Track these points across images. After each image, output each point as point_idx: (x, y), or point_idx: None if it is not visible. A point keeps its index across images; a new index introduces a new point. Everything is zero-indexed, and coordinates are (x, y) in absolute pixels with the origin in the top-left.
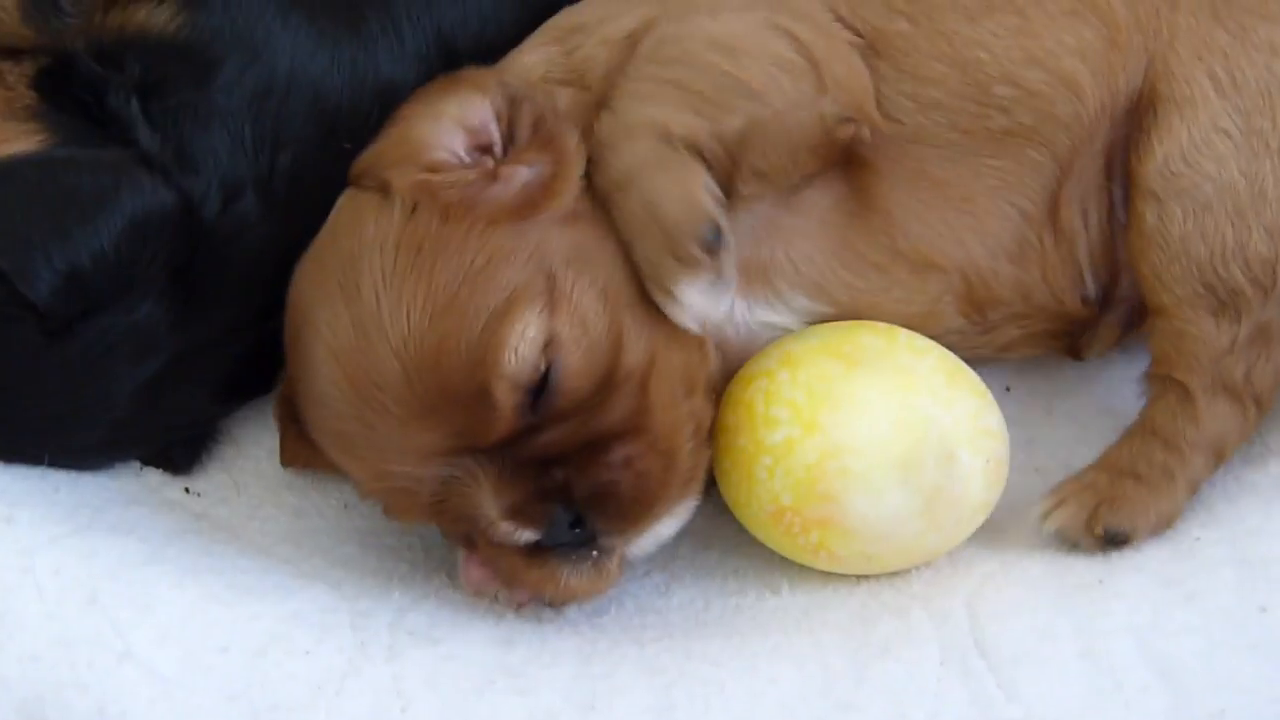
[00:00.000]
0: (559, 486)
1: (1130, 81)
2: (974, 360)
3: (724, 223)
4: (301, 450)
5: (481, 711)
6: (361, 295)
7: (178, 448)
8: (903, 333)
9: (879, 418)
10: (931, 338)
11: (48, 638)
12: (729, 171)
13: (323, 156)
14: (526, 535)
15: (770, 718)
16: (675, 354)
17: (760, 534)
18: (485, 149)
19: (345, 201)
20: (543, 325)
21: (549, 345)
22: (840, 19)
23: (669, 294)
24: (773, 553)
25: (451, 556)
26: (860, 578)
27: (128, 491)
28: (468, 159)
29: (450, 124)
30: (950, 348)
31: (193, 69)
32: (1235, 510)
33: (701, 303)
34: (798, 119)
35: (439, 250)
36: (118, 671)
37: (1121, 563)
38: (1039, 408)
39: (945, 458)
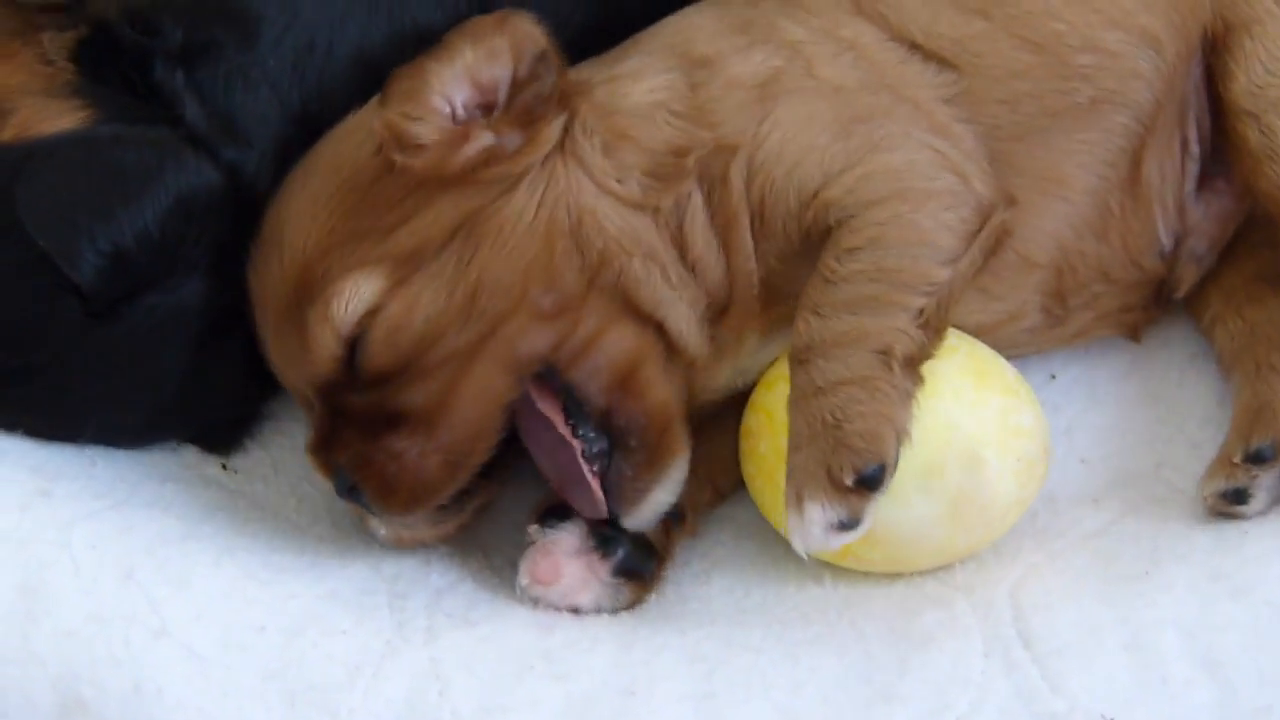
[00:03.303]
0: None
1: (1199, 20)
2: (1039, 353)
3: (891, 465)
4: None
5: (520, 695)
6: (300, 197)
7: (218, 429)
8: None
9: None
10: (1004, 339)
11: (83, 614)
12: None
13: None
14: (316, 468)
15: (811, 707)
16: (539, 326)
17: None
18: (487, 108)
19: (374, 100)
20: (375, 293)
21: (370, 314)
22: (918, 47)
23: (798, 504)
24: None
25: (488, 538)
26: None
27: (164, 467)
28: (462, 113)
29: (462, 73)
30: (1019, 346)
31: (235, 29)
32: None
33: (818, 533)
34: (972, 256)
35: (370, 198)
36: (154, 649)
37: (1168, 554)
38: (1082, 396)
39: (970, 462)
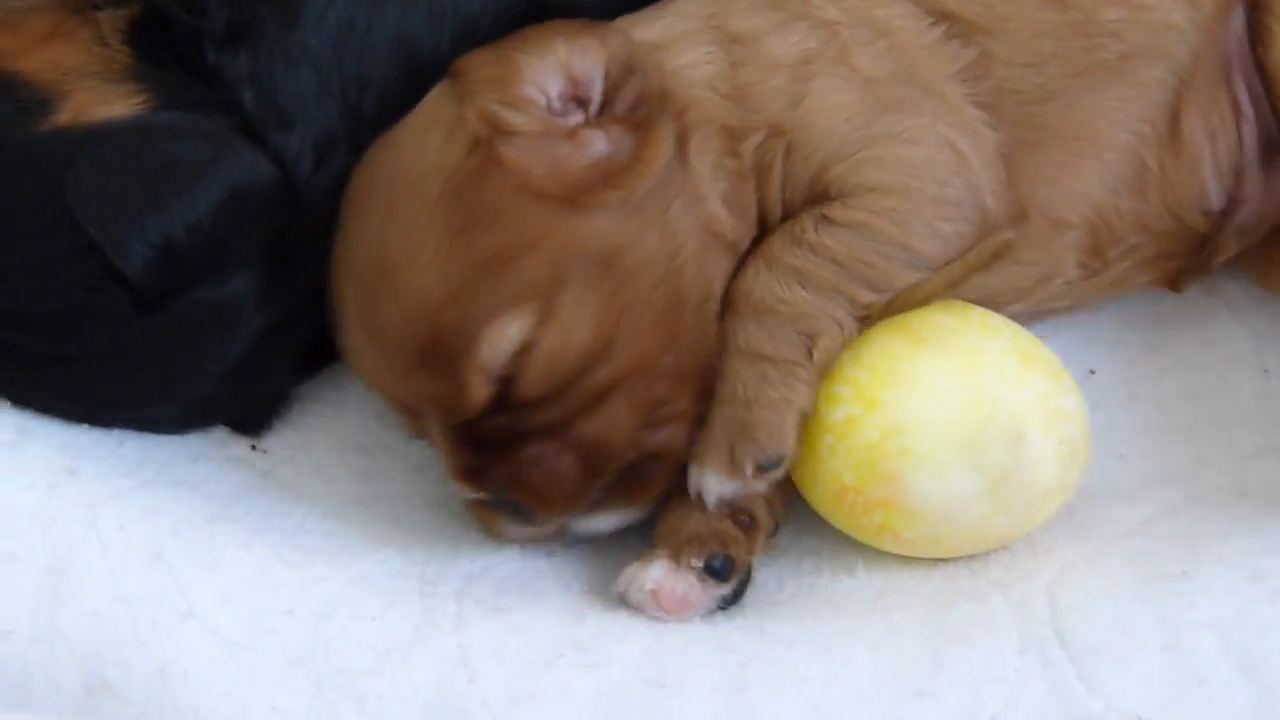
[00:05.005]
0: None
1: None
2: (1076, 306)
3: (790, 453)
4: None
5: (549, 684)
6: (394, 223)
7: (249, 411)
8: (976, 311)
9: (942, 397)
10: (1044, 296)
11: (110, 594)
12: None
13: (406, 99)
14: (469, 493)
15: (843, 701)
16: (656, 386)
17: (826, 514)
18: (581, 102)
19: (434, 97)
20: (524, 331)
21: (523, 350)
22: (949, 15)
23: (700, 466)
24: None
25: None
26: (937, 561)
27: (193, 446)
28: (558, 104)
29: (555, 64)
30: (1059, 299)
31: (277, 8)
32: None
33: (713, 500)
34: (965, 266)
35: (479, 212)
36: (180, 631)
37: (1206, 554)
38: (1123, 393)
39: (1013, 439)
